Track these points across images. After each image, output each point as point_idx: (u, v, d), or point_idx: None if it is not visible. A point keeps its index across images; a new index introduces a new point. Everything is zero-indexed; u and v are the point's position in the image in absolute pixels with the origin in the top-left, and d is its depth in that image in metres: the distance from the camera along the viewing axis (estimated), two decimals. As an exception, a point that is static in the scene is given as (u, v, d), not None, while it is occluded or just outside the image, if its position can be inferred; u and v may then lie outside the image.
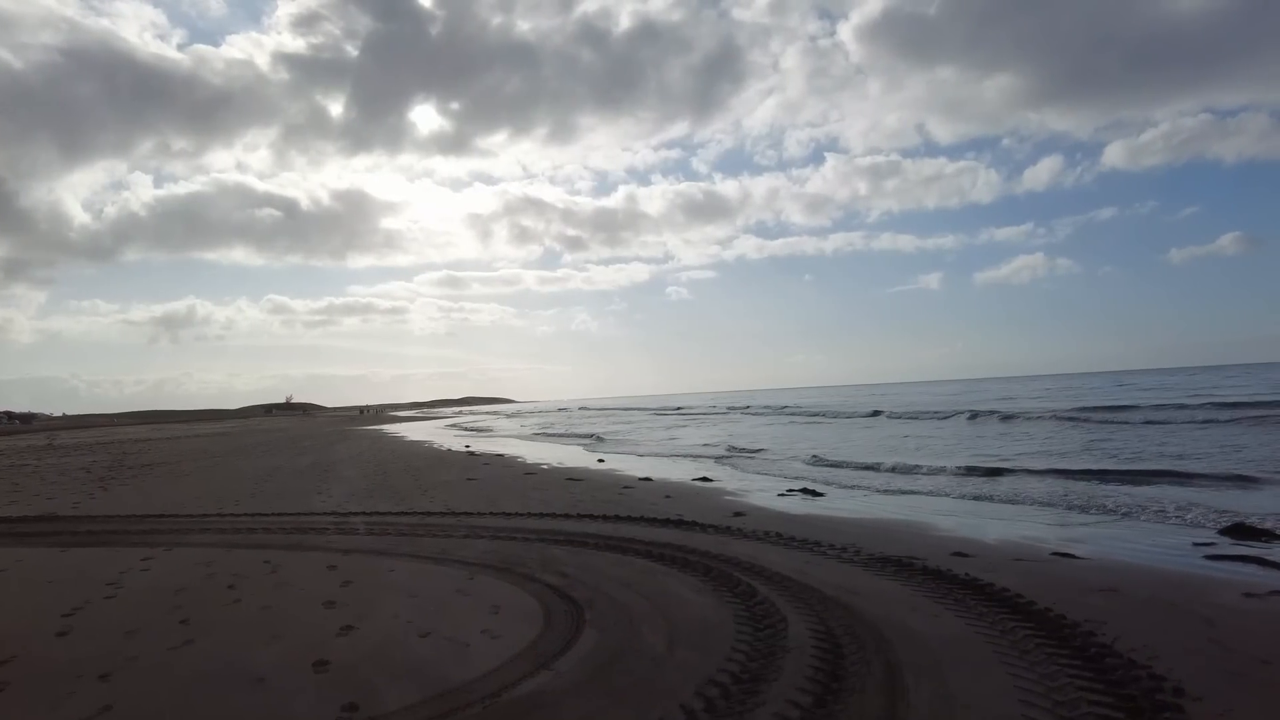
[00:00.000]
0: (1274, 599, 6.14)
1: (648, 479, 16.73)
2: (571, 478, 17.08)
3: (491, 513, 11.51)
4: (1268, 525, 9.30)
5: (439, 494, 14.15)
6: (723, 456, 23.40)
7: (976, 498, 12.85)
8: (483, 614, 6.08)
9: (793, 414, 52.00)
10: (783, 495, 13.69)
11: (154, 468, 22.80)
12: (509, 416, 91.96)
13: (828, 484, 15.19)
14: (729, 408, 71.13)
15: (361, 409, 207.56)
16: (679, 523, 10.26)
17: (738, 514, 11.16)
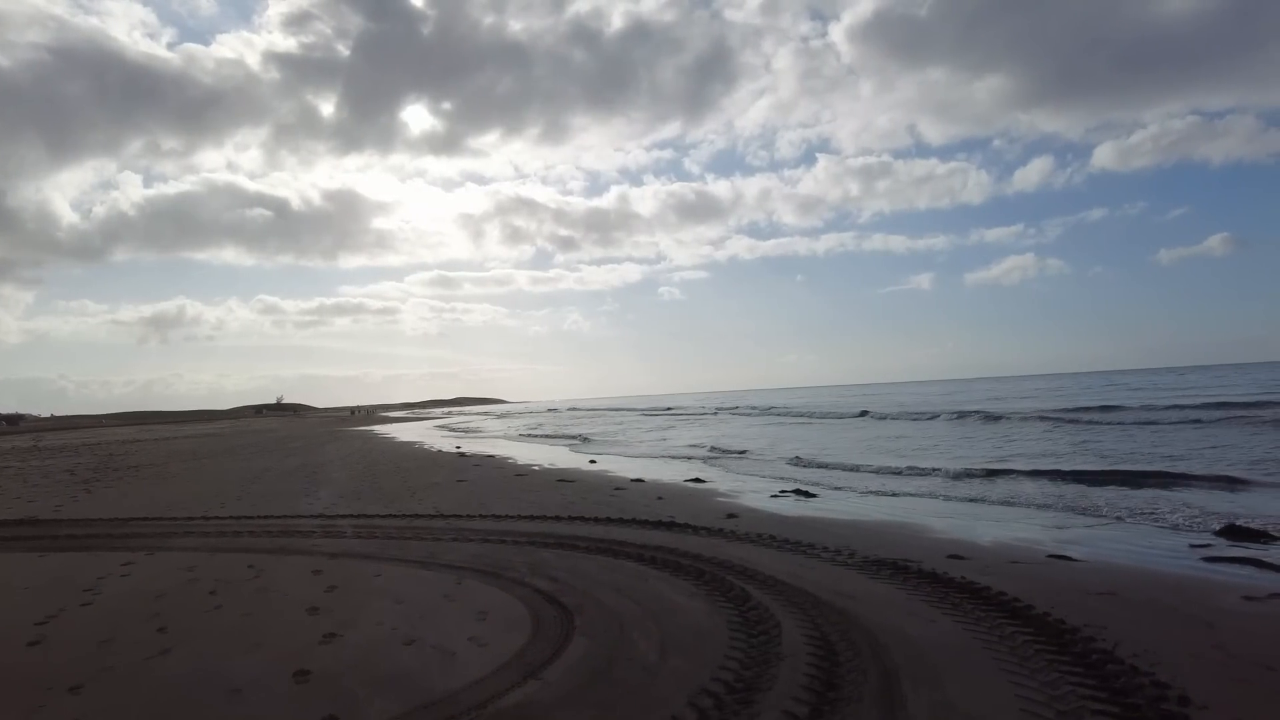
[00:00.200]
0: (1275, 602, 6.05)
1: (640, 480, 16.60)
2: (563, 479, 16.92)
3: (481, 515, 11.35)
4: (1263, 527, 9.24)
5: (428, 496, 13.98)
6: (708, 457, 23.36)
7: (968, 499, 12.79)
8: (470, 620, 5.93)
9: (780, 415, 51.95)
10: (775, 497, 13.58)
11: (140, 469, 22.52)
12: (499, 417, 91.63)
13: (815, 485, 15.10)
14: (717, 408, 71.03)
15: (352, 409, 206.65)
16: (671, 525, 10.13)
17: (730, 516, 11.04)
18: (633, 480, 16.59)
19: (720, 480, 16.62)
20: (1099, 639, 5.09)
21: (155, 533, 10.55)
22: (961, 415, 37.24)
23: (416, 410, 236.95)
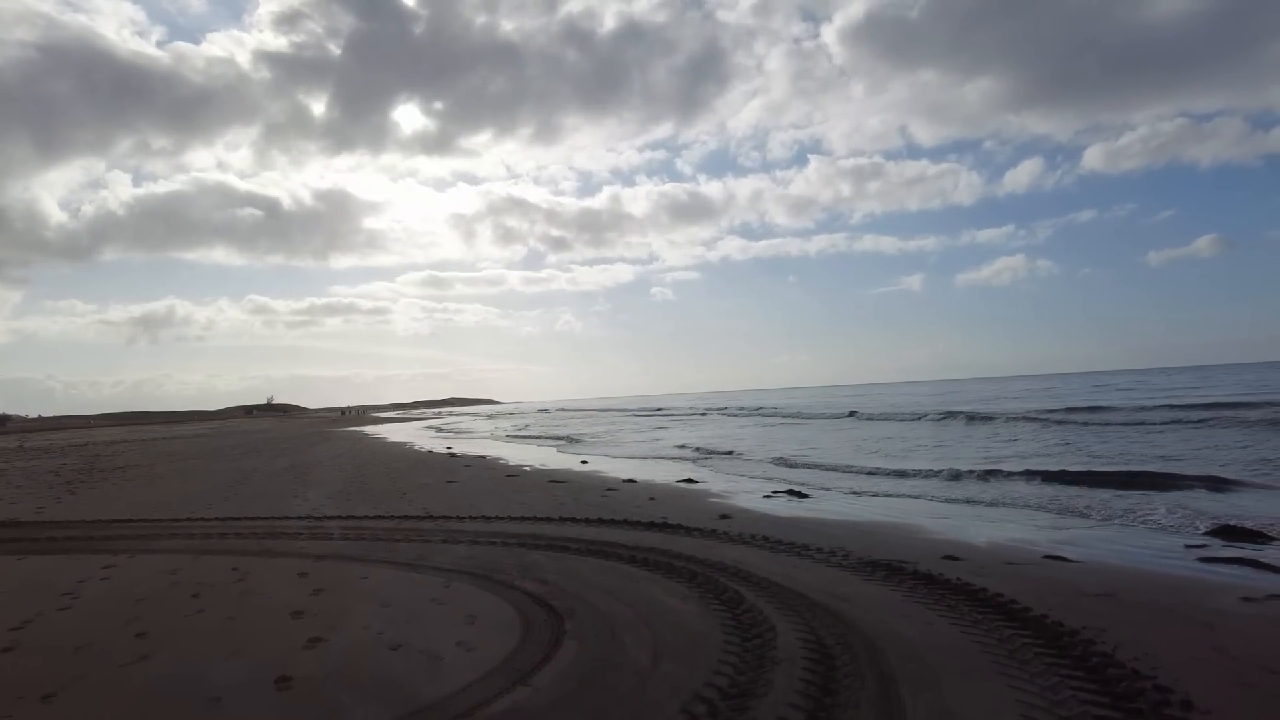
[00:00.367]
0: (1273, 603, 5.99)
1: (632, 481, 16.48)
2: (554, 480, 16.79)
3: (471, 516, 11.21)
4: (1257, 527, 9.20)
5: (418, 497, 13.83)
6: (698, 458, 23.32)
7: (960, 500, 12.72)
8: (458, 624, 5.81)
9: (770, 415, 51.88)
10: (768, 497, 13.49)
11: (126, 470, 22.26)
12: (490, 418, 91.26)
13: (805, 485, 15.02)
14: (707, 409, 70.95)
15: (343, 410, 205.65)
16: (664, 526, 10.02)
17: (723, 516, 10.94)
18: (625, 481, 16.48)
19: (712, 481, 16.52)
20: (1098, 642, 5.01)
21: (139, 535, 10.37)
22: (951, 416, 37.21)
23: (407, 411, 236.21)
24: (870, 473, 17.33)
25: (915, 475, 16.36)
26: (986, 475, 15.61)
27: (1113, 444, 21.95)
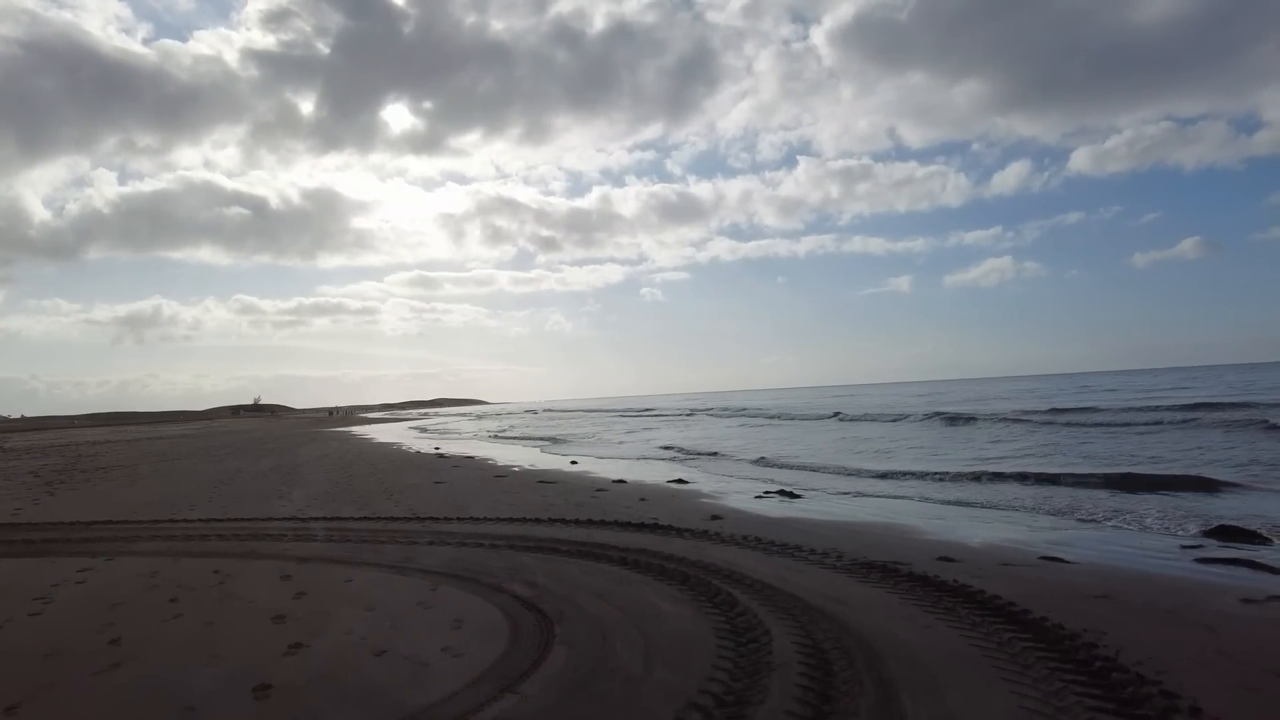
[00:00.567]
0: (1274, 605, 5.90)
1: (622, 481, 16.33)
2: (543, 480, 16.61)
3: (459, 518, 11.03)
4: (1253, 527, 9.15)
5: (405, 498, 13.62)
6: (687, 458, 23.20)
7: (952, 501, 12.64)
8: (444, 629, 5.64)
9: (758, 416, 51.75)
10: (759, 498, 13.37)
11: (109, 471, 21.90)
12: (479, 418, 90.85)
13: (794, 485, 14.92)
14: (694, 410, 70.83)
15: (331, 410, 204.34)
16: (654, 527, 9.88)
17: (715, 517, 10.81)
18: (614, 481, 16.32)
19: (703, 481, 16.39)
20: (1100, 645, 4.90)
21: (118, 536, 10.13)
22: (938, 417, 37.23)
23: (395, 411, 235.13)
24: (860, 474, 17.24)
25: (905, 476, 16.28)
26: (977, 476, 15.54)
27: (1101, 444, 22.00)
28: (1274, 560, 7.53)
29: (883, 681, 4.43)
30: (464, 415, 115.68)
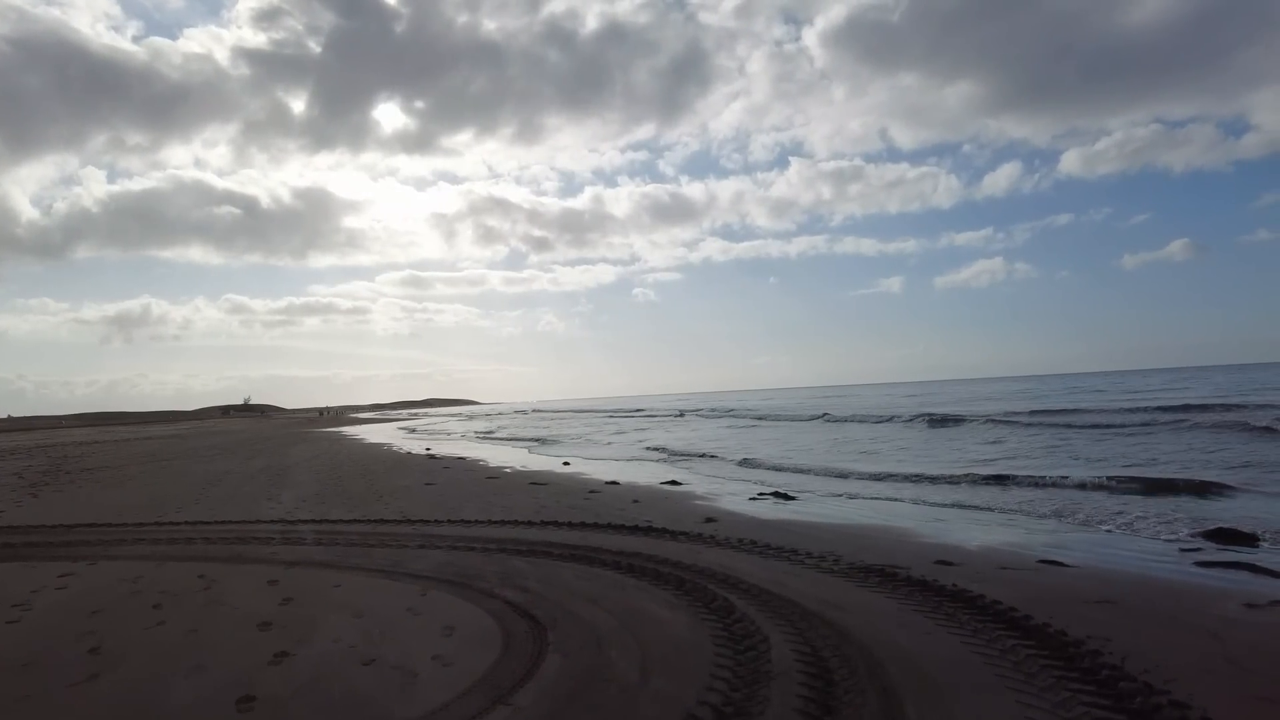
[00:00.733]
0: (1278, 610, 5.83)
1: (615, 483, 16.20)
2: (536, 482, 16.47)
3: (450, 520, 10.88)
4: (1251, 530, 9.10)
5: (395, 500, 13.46)
6: (676, 460, 23.08)
7: (946, 503, 12.56)
8: (435, 636, 5.50)
9: (747, 417, 51.63)
10: (754, 499, 13.27)
11: (95, 472, 21.59)
12: (468, 419, 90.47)
13: (787, 486, 14.83)
14: (682, 410, 70.70)
15: (321, 410, 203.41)
16: (649, 530, 9.75)
17: (709, 520, 10.70)
18: (607, 483, 16.19)
19: (696, 483, 16.28)
20: (1105, 652, 4.80)
21: (102, 540, 9.92)
22: (928, 418, 37.22)
23: (386, 411, 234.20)
24: (852, 475, 17.15)
25: (898, 477, 16.20)
26: (970, 478, 15.48)
27: (1091, 446, 21.97)
28: (1273, 564, 7.46)
29: (886, 690, 4.32)
30: (455, 416, 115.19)
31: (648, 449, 28.07)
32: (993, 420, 33.72)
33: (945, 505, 12.31)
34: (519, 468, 20.81)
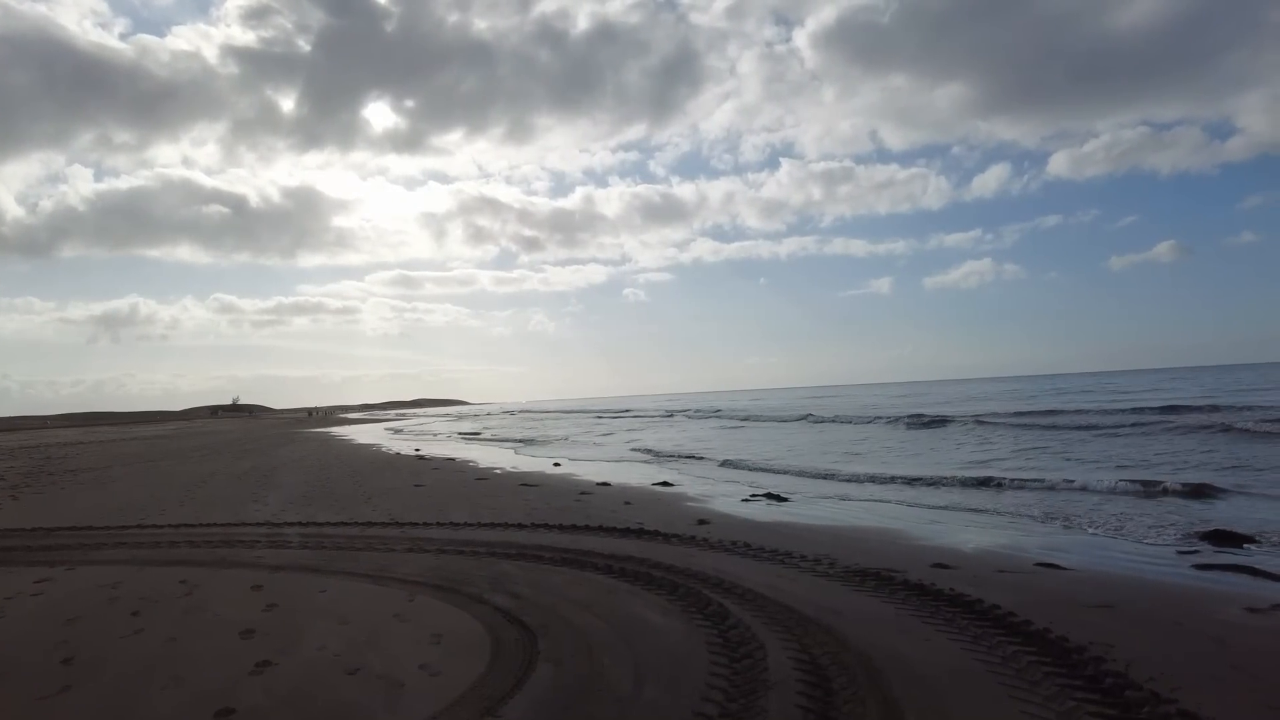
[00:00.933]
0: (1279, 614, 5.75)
1: (606, 484, 16.06)
2: (526, 483, 16.30)
3: (439, 523, 10.71)
4: (1247, 532, 9.04)
5: (383, 502, 13.27)
6: (667, 461, 22.96)
7: (939, 505, 12.49)
8: (422, 644, 5.34)
9: (736, 417, 51.55)
10: (746, 501, 13.16)
11: (79, 474, 21.29)
12: (458, 419, 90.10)
13: (775, 488, 14.73)
14: (671, 411, 70.61)
15: (310, 411, 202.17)
16: (641, 532, 9.61)
17: (702, 522, 10.57)
18: (599, 484, 16.05)
19: (687, 484, 16.15)
20: (1108, 659, 4.70)
21: (82, 544, 9.71)
22: (919, 419, 37.25)
23: (376, 412, 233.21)
24: (843, 477, 17.04)
25: (891, 479, 16.11)
26: (962, 479, 15.41)
27: (1082, 447, 21.98)
28: (1271, 566, 7.40)
29: (886, 700, 4.20)
30: (444, 416, 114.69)
31: (642, 449, 27.90)
32: (983, 421, 33.75)
33: (938, 507, 12.23)
34: (509, 469, 20.64)
